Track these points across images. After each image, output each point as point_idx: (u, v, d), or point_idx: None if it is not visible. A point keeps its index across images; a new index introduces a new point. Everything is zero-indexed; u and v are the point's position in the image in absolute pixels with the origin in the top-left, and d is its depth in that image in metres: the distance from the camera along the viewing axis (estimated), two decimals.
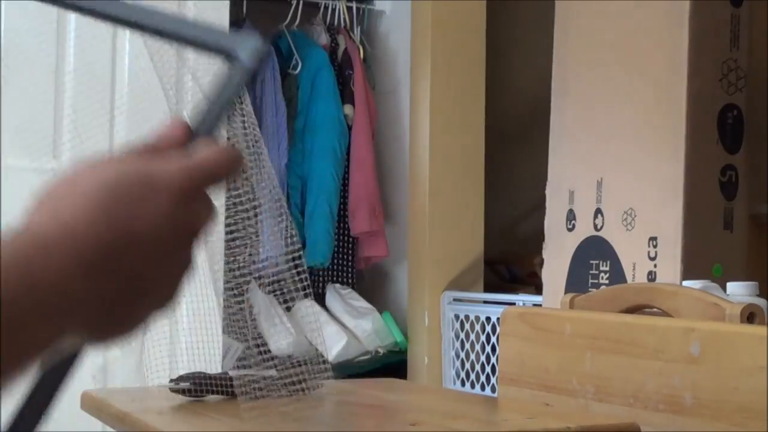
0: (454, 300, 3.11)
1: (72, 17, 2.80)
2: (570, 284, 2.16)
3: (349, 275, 3.37)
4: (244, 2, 3.24)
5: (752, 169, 1.99)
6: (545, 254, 2.30)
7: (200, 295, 1.20)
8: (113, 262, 0.48)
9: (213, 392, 1.16)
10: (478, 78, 3.33)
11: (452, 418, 1.05)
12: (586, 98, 2.19)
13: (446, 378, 3.10)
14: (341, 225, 3.33)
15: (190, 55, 2.71)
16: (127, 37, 2.87)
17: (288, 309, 3.04)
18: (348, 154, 3.32)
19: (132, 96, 2.87)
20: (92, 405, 1.21)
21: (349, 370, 2.99)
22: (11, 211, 2.95)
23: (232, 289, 1.10)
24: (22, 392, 0.54)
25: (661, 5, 1.98)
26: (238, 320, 1.22)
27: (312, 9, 3.41)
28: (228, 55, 0.61)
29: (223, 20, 2.99)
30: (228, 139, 1.13)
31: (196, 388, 1.15)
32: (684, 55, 1.92)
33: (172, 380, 1.17)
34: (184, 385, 1.15)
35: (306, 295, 1.09)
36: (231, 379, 1.16)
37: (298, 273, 1.09)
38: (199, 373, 1.17)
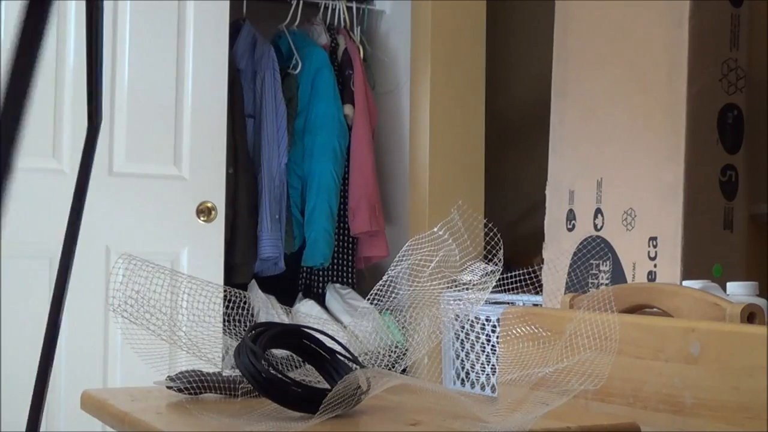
0: (455, 300, 3.11)
1: (72, 17, 2.81)
2: (570, 284, 2.16)
3: (349, 275, 3.37)
4: (244, 2, 3.24)
5: (752, 169, 1.99)
6: (545, 254, 2.30)
7: (200, 295, 1.20)
8: None
9: (209, 390, 1.16)
10: (478, 78, 3.33)
11: (452, 418, 1.05)
12: (585, 98, 2.19)
13: (446, 378, 3.10)
14: (341, 225, 3.33)
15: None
16: (127, 37, 2.87)
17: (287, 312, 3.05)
18: (348, 154, 3.32)
19: (132, 96, 2.87)
20: (92, 405, 1.21)
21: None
22: (11, 211, 2.96)
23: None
24: None
25: (661, 5, 1.98)
26: (237, 321, 1.22)
27: (312, 9, 3.41)
28: None
29: (223, 20, 2.99)
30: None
31: (192, 386, 1.15)
32: (684, 55, 1.92)
33: (168, 378, 1.17)
34: (179, 383, 1.15)
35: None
36: (228, 377, 1.17)
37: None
38: (196, 371, 1.18)
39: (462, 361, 3.07)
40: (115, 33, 2.85)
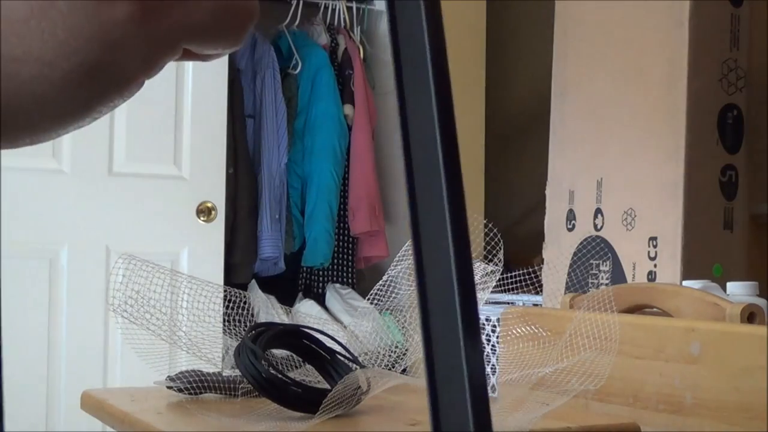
0: None
1: None
2: (570, 284, 2.16)
3: (349, 275, 3.37)
4: None
5: (752, 169, 1.99)
6: (545, 254, 2.30)
7: (200, 295, 1.20)
8: None
9: (209, 390, 1.16)
10: (478, 78, 3.33)
11: None
12: (586, 98, 2.19)
13: None
14: (341, 225, 3.33)
15: None
16: None
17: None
18: (348, 153, 3.32)
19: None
20: (92, 405, 1.21)
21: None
22: (11, 211, 2.94)
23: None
24: None
25: (661, 5, 1.98)
26: (237, 321, 1.22)
27: (312, 9, 3.41)
28: None
29: None
30: None
31: (192, 386, 1.15)
32: (684, 55, 1.92)
33: (168, 378, 1.17)
34: (179, 383, 1.15)
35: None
36: (228, 377, 1.17)
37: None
38: (196, 371, 1.18)
39: None
40: None
